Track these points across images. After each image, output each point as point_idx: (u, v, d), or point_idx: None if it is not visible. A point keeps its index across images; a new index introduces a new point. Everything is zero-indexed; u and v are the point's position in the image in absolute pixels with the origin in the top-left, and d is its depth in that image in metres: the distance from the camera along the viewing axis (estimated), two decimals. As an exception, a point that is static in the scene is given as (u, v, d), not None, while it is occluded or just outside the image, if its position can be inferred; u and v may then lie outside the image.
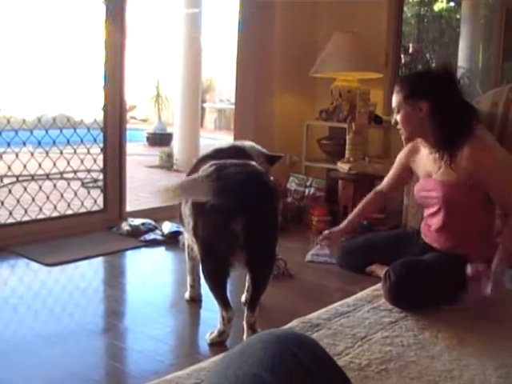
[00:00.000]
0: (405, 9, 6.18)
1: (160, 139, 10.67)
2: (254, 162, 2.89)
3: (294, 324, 2.85)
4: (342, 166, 5.01)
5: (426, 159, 3.50)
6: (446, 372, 2.46)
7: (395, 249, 3.61)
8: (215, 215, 2.63)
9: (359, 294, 3.34)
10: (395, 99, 3.37)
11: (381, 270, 3.54)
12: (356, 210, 3.88)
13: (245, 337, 2.68)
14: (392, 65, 5.81)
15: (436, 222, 3.47)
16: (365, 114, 5.24)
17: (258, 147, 3.33)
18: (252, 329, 2.72)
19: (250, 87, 5.41)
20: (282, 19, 5.55)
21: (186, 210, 2.85)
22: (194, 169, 3.01)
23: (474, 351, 2.67)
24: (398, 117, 3.38)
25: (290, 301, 3.38)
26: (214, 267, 2.77)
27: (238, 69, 5.43)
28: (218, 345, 2.73)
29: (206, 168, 2.77)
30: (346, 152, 5.09)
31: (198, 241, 2.80)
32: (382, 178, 5.02)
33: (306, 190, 5.23)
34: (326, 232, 3.75)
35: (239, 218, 2.58)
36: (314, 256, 4.13)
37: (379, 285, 3.38)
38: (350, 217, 3.87)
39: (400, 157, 3.74)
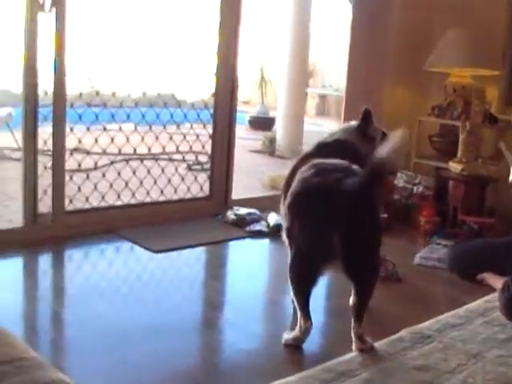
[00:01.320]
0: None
1: (262, 123, 10.63)
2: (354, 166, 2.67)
3: (404, 334, 2.76)
4: (455, 166, 4.85)
5: None
6: None
7: (510, 257, 3.47)
8: (313, 223, 2.57)
9: (470, 305, 3.21)
10: None
11: (494, 280, 3.41)
12: None
13: (354, 347, 2.60)
14: (508, 62, 5.58)
15: None
16: (479, 113, 5.05)
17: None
18: (361, 340, 2.63)
19: (361, 76, 5.31)
20: (398, 11, 5.41)
21: (282, 209, 2.78)
22: (295, 168, 2.88)
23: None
24: None
25: (397, 306, 3.28)
26: (304, 274, 2.67)
27: (350, 56, 5.34)
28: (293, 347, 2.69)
29: (305, 170, 2.70)
30: (459, 151, 4.92)
31: (291, 243, 2.73)
32: (495, 180, 4.88)
33: (414, 188, 5.10)
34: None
35: (338, 229, 2.48)
36: (423, 259, 4.01)
37: (491, 296, 3.25)
38: None
39: None
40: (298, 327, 2.71)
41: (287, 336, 2.73)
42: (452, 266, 3.76)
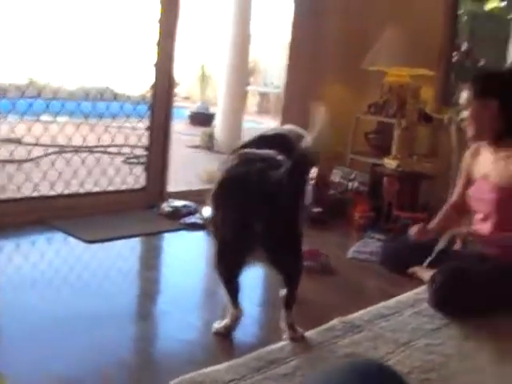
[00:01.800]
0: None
1: (202, 119, 10.63)
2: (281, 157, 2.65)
3: (335, 323, 2.79)
4: (390, 162, 4.92)
5: (485, 161, 3.46)
6: (490, 387, 2.39)
7: (441, 252, 3.52)
8: (235, 212, 2.57)
9: (401, 297, 3.26)
10: (465, 96, 3.41)
11: (424, 273, 3.46)
12: (440, 218, 3.83)
13: (285, 336, 2.62)
14: (444, 63, 5.69)
15: (486, 227, 3.40)
16: (414, 111, 5.14)
17: (301, 132, 3.22)
18: (292, 329, 2.65)
19: (301, 73, 5.35)
20: (336, 9, 5.46)
21: (208, 198, 2.78)
22: (231, 154, 2.88)
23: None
24: (465, 114, 3.39)
25: (330, 297, 3.30)
26: (228, 264, 2.67)
27: (290, 54, 5.37)
28: (224, 336, 2.69)
29: (230, 160, 2.69)
30: (393, 148, 4.99)
31: (216, 233, 2.71)
32: (430, 177, 4.97)
33: (350, 184, 5.15)
34: (421, 226, 3.74)
35: (259, 218, 2.49)
36: (356, 253, 4.05)
37: (421, 288, 3.32)
38: (435, 224, 3.82)
39: (465, 163, 3.68)
40: (228, 315, 2.71)
41: (217, 325, 2.72)
42: (384, 260, 3.81)
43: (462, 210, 3.77)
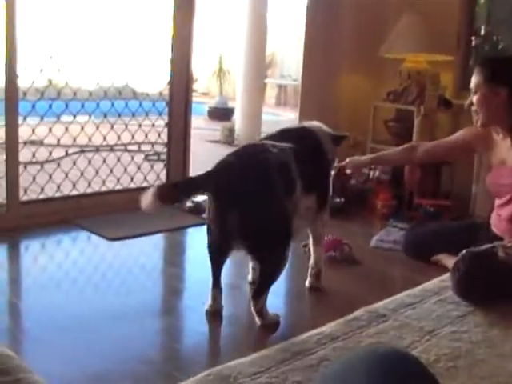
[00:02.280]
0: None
1: (221, 113, 10.64)
2: (288, 147, 2.83)
3: (360, 313, 2.79)
4: (410, 150, 4.89)
5: (500, 147, 3.41)
6: (517, 373, 2.37)
7: (464, 239, 3.50)
8: (214, 201, 2.66)
9: (426, 285, 3.25)
10: (474, 80, 3.32)
11: (448, 260, 3.45)
12: (385, 152, 3.98)
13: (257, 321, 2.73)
14: (463, 47, 5.64)
15: (507, 212, 3.38)
16: (434, 97, 5.10)
17: (325, 128, 3.25)
18: (260, 315, 2.73)
19: (317, 64, 5.32)
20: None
21: None
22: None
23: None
24: (474, 98, 3.30)
25: (354, 288, 3.30)
26: (212, 249, 2.82)
27: (305, 45, 5.34)
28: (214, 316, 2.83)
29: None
30: (414, 135, 4.97)
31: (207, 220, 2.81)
32: (451, 164, 4.94)
33: (371, 173, 5.12)
34: (348, 160, 3.74)
35: (234, 207, 2.57)
36: (379, 242, 4.04)
37: (446, 276, 3.30)
38: (375, 154, 3.97)
39: (464, 132, 3.67)
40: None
41: (206, 306, 2.86)
42: (407, 248, 3.80)
43: (408, 157, 3.85)
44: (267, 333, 2.71)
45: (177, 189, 2.86)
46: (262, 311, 2.73)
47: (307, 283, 3.14)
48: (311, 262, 3.20)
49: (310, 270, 3.18)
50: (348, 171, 3.73)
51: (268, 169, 2.64)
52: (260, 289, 2.73)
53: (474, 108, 3.36)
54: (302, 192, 2.82)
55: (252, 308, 2.73)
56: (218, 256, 2.84)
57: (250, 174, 2.61)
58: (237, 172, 2.63)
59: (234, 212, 2.56)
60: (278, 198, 2.65)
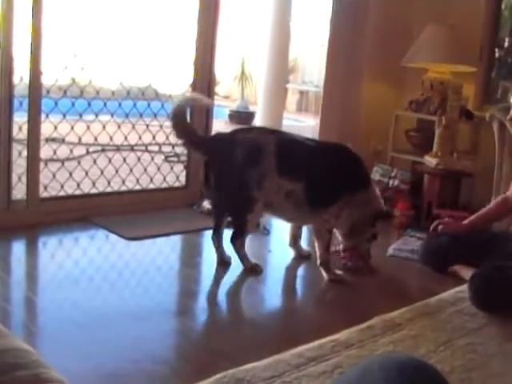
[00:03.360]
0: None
1: (242, 117, 10.63)
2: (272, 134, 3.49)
3: (375, 322, 2.78)
4: (430, 160, 4.89)
5: None
6: (532, 388, 2.36)
7: (483, 251, 3.49)
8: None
9: (442, 295, 3.23)
10: None
11: (465, 271, 3.44)
12: (480, 212, 3.83)
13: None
14: (486, 59, 5.62)
15: None
16: (456, 108, 5.08)
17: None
18: (241, 258, 3.49)
19: (339, 71, 5.32)
20: (376, 6, 5.43)
21: None
22: None
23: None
24: None
25: (370, 296, 3.30)
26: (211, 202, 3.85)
27: (328, 51, 5.34)
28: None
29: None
30: (434, 146, 4.96)
31: None
32: (470, 175, 4.92)
33: (390, 182, 5.11)
34: (446, 219, 3.87)
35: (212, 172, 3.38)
36: (396, 251, 4.03)
37: (463, 287, 3.28)
38: (472, 217, 3.83)
39: None
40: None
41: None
42: (425, 259, 3.78)
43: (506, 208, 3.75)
44: (281, 337, 2.72)
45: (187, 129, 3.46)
46: (241, 253, 3.45)
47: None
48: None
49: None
50: None
51: (237, 146, 3.30)
52: (233, 235, 3.46)
53: None
54: (280, 175, 3.31)
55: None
56: (215, 209, 3.65)
57: (225, 148, 3.35)
58: (218, 144, 3.46)
59: (212, 175, 3.34)
60: (238, 172, 3.28)
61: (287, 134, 3.65)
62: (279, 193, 3.34)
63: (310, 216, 3.48)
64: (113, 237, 3.84)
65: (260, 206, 3.37)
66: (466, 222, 3.81)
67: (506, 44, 6.30)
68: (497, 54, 5.91)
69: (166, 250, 3.85)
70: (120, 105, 4.55)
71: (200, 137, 3.61)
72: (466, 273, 3.37)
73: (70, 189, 4.23)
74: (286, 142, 3.44)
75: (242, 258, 3.46)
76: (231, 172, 3.31)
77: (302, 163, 3.39)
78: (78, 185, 4.27)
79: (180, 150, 5.06)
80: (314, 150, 3.49)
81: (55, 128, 4.19)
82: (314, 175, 3.38)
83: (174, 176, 4.78)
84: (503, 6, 5.99)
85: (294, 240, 3.81)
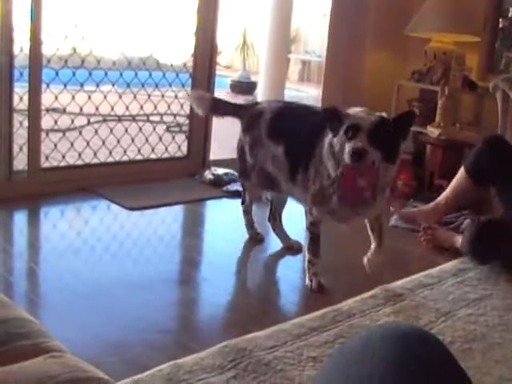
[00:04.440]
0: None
1: (244, 87, 10.59)
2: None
3: (377, 292, 2.80)
4: (432, 131, 4.87)
5: None
6: (533, 358, 2.37)
7: None
8: None
9: (444, 266, 3.25)
10: None
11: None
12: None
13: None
14: (490, 29, 5.58)
15: None
16: (459, 79, 5.05)
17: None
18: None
19: (342, 40, 5.29)
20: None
21: None
22: None
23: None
24: None
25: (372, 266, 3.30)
26: None
27: (330, 21, 5.31)
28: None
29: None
30: (437, 116, 4.94)
31: None
32: (471, 145, 4.89)
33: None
34: (429, 231, 3.69)
35: None
36: (398, 221, 4.02)
37: (464, 258, 3.30)
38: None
39: None
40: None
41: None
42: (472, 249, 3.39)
43: None
44: (283, 307, 2.73)
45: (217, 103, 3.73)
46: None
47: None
48: None
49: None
50: None
51: (245, 113, 3.43)
52: None
53: None
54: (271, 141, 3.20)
55: None
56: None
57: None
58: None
59: None
60: (240, 135, 3.44)
61: (297, 104, 3.51)
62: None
63: None
64: (114, 207, 3.84)
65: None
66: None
67: (511, 14, 6.24)
68: (501, 24, 5.86)
69: (167, 220, 3.85)
70: (121, 75, 4.52)
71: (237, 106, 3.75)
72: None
73: (71, 159, 4.22)
74: (285, 109, 3.30)
75: (245, 225, 3.53)
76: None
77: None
78: (80, 155, 4.26)
79: (182, 119, 5.04)
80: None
81: (56, 98, 4.16)
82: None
83: (176, 146, 4.75)
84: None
85: None
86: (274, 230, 3.51)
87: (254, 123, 3.29)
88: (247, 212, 3.52)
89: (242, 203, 3.51)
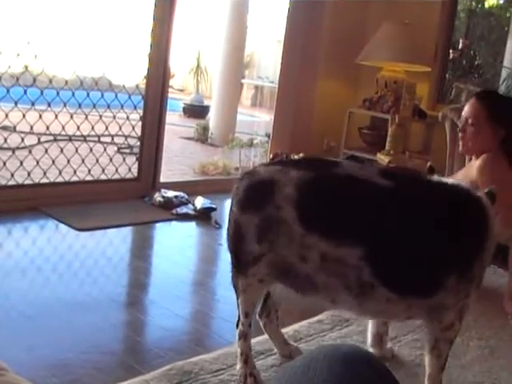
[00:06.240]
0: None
1: (197, 111, 10.61)
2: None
3: (324, 317, 2.81)
4: (382, 158, 4.92)
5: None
6: (476, 384, 2.40)
7: None
8: None
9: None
10: (471, 110, 3.34)
11: None
12: None
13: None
14: (440, 59, 5.70)
15: None
16: (409, 107, 5.16)
17: None
18: None
19: (294, 67, 5.35)
20: (333, 4, 5.47)
21: None
22: None
23: (507, 365, 2.60)
24: (468, 127, 3.34)
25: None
26: None
27: (284, 47, 5.36)
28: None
29: None
30: (387, 144, 5.00)
31: None
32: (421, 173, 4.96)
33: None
34: None
35: None
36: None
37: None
38: None
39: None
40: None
41: None
42: None
43: None
44: (228, 330, 2.72)
45: None
46: None
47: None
48: None
49: None
50: None
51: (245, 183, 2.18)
52: None
53: (461, 135, 3.41)
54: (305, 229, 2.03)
55: None
56: None
57: None
58: None
59: None
60: (234, 213, 2.18)
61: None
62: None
63: None
64: (63, 227, 3.80)
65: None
66: None
67: (461, 45, 6.38)
68: (451, 56, 6.00)
69: (116, 241, 3.82)
70: (73, 94, 4.50)
71: None
72: None
73: (20, 178, 4.17)
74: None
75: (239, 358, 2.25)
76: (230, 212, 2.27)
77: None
78: (29, 174, 4.21)
79: (133, 141, 5.03)
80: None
81: (6, 116, 4.12)
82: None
83: (127, 167, 4.74)
84: (460, 8, 6.07)
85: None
86: (264, 329, 2.47)
87: (260, 197, 2.12)
88: (245, 336, 2.24)
89: (237, 325, 2.26)
